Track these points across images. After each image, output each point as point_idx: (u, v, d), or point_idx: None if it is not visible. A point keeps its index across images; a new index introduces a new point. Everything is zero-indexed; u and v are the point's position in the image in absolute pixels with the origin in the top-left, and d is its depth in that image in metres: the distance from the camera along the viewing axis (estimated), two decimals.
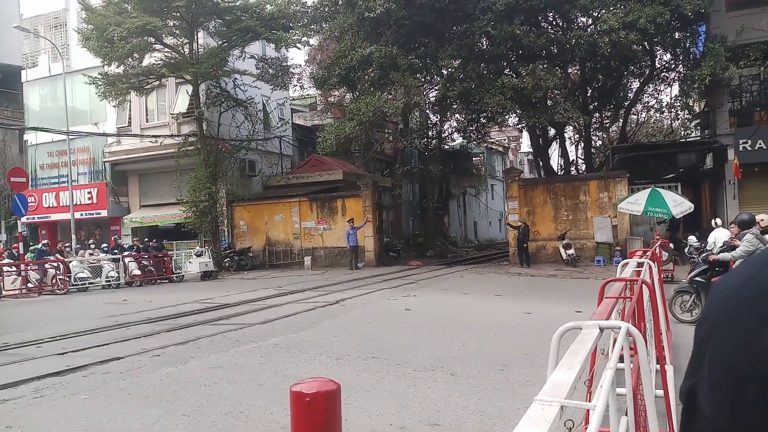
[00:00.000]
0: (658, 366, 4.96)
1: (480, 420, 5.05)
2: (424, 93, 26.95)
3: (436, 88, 26.88)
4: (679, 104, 25.26)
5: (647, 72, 26.02)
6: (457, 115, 28.65)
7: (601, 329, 2.30)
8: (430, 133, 35.58)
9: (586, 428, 1.89)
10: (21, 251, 21.30)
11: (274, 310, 12.24)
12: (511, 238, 22.50)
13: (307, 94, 36.35)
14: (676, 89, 27.25)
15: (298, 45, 25.93)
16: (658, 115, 32.62)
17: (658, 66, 26.49)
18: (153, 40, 23.73)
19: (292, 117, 34.20)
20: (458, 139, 37.54)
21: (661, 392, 4.51)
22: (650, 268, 6.04)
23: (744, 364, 0.77)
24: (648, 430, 2.89)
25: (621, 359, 2.41)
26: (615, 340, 2.47)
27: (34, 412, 5.69)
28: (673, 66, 26.72)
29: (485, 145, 41.89)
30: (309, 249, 25.33)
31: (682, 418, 0.92)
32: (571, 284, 15.69)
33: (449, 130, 35.58)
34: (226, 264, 24.57)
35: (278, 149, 30.96)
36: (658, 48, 24.80)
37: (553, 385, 1.56)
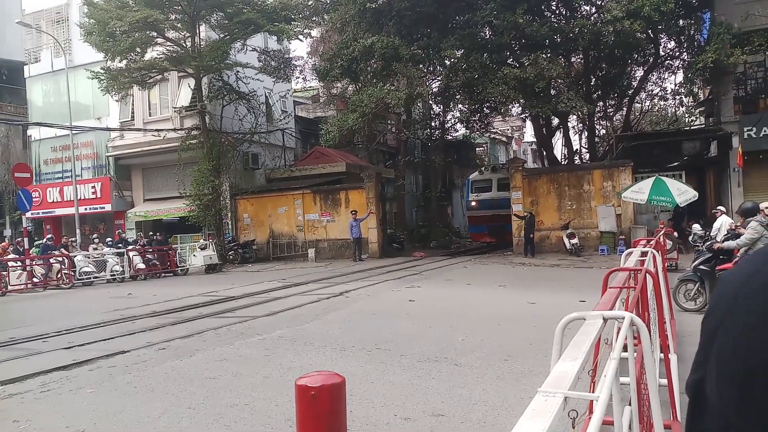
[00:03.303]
0: (662, 355, 4.97)
1: (484, 410, 5.06)
2: (427, 84, 26.86)
3: (439, 78, 26.80)
4: (683, 91, 25.11)
5: (651, 60, 25.87)
6: (460, 106, 28.62)
7: (605, 319, 2.30)
8: (433, 124, 35.48)
9: (590, 418, 1.89)
10: (26, 246, 21.39)
11: (279, 302, 12.28)
12: (515, 228, 22.47)
13: (310, 86, 36.31)
14: (680, 77, 27.12)
15: (300, 37, 25.90)
16: (662, 103, 32.45)
17: (663, 54, 26.34)
18: (155, 33, 23.70)
19: (294, 109, 34.18)
20: (461, 130, 37.44)
21: (665, 381, 4.52)
22: (654, 257, 6.02)
23: (752, 356, 0.78)
24: (651, 420, 2.89)
25: (625, 348, 2.41)
26: (619, 330, 2.47)
27: (41, 406, 5.72)
28: (678, 54, 26.57)
29: (488, 135, 41.77)
30: (313, 241, 25.37)
31: (690, 410, 0.92)
32: (575, 274, 15.68)
33: (452, 121, 35.49)
34: (230, 257, 24.64)
35: (281, 142, 30.95)
36: (663, 36, 24.64)
37: (556, 376, 1.56)
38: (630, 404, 2.43)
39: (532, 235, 21.05)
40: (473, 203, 28.30)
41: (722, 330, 0.83)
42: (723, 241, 9.29)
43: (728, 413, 0.81)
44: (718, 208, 13.80)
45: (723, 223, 11.81)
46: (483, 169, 29.74)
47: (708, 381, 0.85)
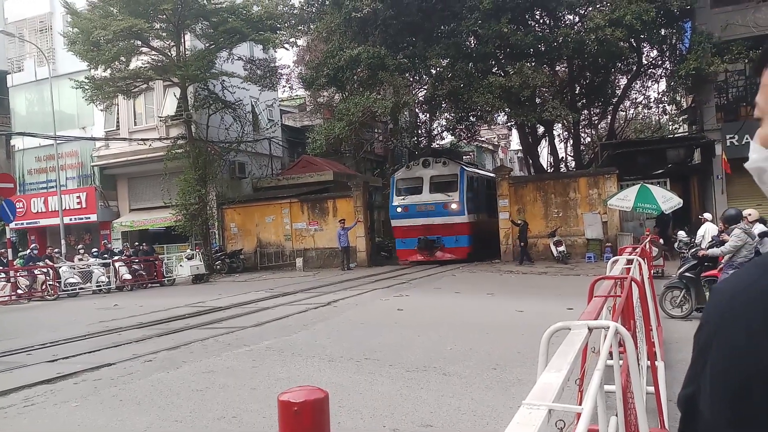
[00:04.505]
0: (649, 362, 5.00)
1: (473, 420, 5.06)
2: (413, 92, 26.97)
3: (425, 87, 26.92)
4: (666, 99, 25.42)
5: (634, 69, 26.20)
6: (446, 114, 28.73)
7: (590, 329, 2.31)
8: (419, 132, 35.60)
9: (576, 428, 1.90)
10: (10, 257, 21.13)
11: (266, 312, 12.21)
12: (502, 236, 22.48)
13: (296, 95, 36.30)
14: (663, 85, 27.47)
15: (286, 46, 25.90)
16: (645, 111, 32.82)
17: (645, 62, 26.67)
18: (139, 43, 23.61)
19: (281, 118, 34.16)
20: (448, 138, 37.59)
21: (652, 389, 4.55)
22: (639, 265, 6.07)
23: (749, 364, 0.76)
24: (638, 428, 2.91)
25: (611, 356, 2.42)
26: (605, 337, 2.48)
27: (25, 421, 5.64)
28: (660, 62, 26.93)
29: (475, 143, 41.96)
30: (300, 250, 25.29)
31: (682, 426, 0.90)
32: (562, 281, 15.75)
33: (439, 129, 35.64)
34: (218, 267, 24.49)
35: (268, 151, 30.90)
36: (645, 44, 24.96)
37: (541, 388, 1.56)
38: (616, 416, 2.44)
39: (523, 244, 20.89)
40: (399, 209, 22.71)
41: (718, 340, 0.82)
42: (708, 249, 9.38)
43: (722, 425, 0.79)
44: (704, 215, 13.94)
45: (707, 230, 11.92)
46: (411, 163, 23.84)
47: (702, 394, 0.83)
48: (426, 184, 22.36)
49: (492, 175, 27.46)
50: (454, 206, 21.70)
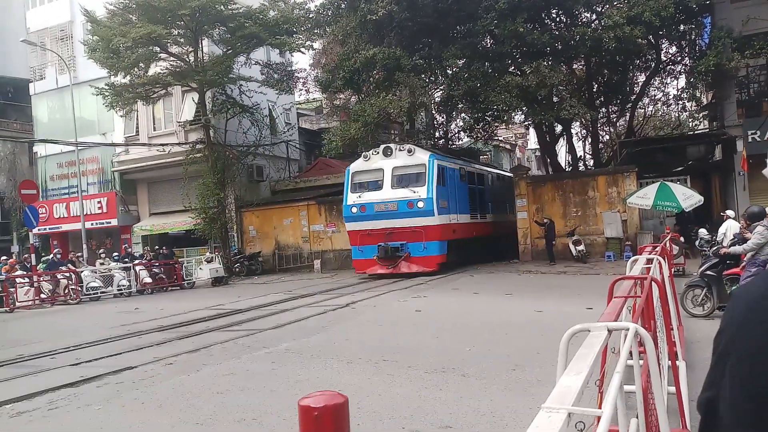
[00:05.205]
0: (670, 362, 4.94)
1: (492, 421, 5.04)
2: (429, 93, 26.89)
3: (441, 87, 26.85)
4: (686, 96, 25.12)
5: (653, 65, 25.91)
6: (463, 115, 28.63)
7: (610, 331, 2.30)
8: (436, 134, 35.51)
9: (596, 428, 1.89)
10: (33, 262, 21.49)
11: (285, 314, 12.27)
12: (520, 236, 22.36)
13: (313, 98, 36.42)
14: (682, 82, 27.13)
15: (302, 49, 26.06)
16: (665, 108, 32.43)
17: (664, 59, 26.37)
18: (158, 49, 23.87)
19: (298, 121, 34.32)
20: (465, 139, 37.44)
21: (673, 389, 4.49)
22: (660, 264, 6.00)
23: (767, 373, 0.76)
24: (659, 430, 2.88)
25: (631, 356, 2.40)
26: (626, 338, 2.46)
27: (49, 424, 5.73)
28: (679, 59, 26.60)
29: (492, 143, 41.76)
30: (318, 252, 25.36)
31: (701, 428, 0.90)
32: (581, 281, 15.62)
33: (456, 130, 35.52)
34: (237, 269, 24.66)
35: (285, 154, 31.07)
36: (664, 41, 24.68)
37: (560, 391, 1.56)
38: (637, 417, 2.42)
39: (554, 242, 20.55)
40: (354, 209, 19.12)
41: (736, 347, 0.82)
42: (729, 246, 9.25)
43: (743, 428, 0.79)
44: (726, 212, 13.71)
45: (729, 227, 11.73)
46: (370, 152, 19.83)
47: (721, 399, 0.83)
48: (387, 178, 18.82)
49: (479, 166, 26.86)
50: (420, 204, 18.07)
